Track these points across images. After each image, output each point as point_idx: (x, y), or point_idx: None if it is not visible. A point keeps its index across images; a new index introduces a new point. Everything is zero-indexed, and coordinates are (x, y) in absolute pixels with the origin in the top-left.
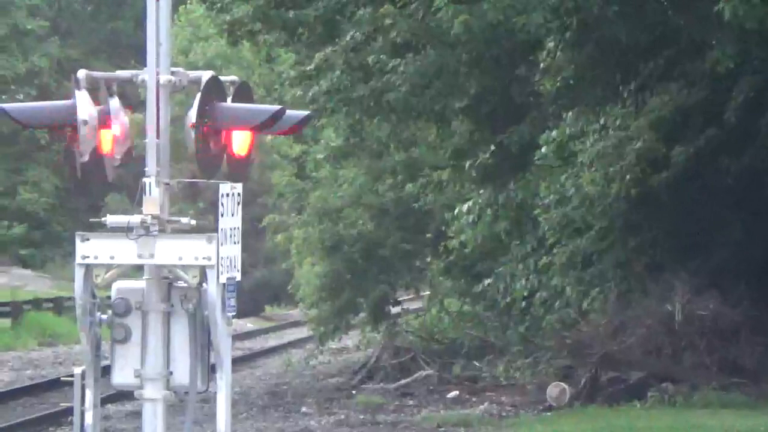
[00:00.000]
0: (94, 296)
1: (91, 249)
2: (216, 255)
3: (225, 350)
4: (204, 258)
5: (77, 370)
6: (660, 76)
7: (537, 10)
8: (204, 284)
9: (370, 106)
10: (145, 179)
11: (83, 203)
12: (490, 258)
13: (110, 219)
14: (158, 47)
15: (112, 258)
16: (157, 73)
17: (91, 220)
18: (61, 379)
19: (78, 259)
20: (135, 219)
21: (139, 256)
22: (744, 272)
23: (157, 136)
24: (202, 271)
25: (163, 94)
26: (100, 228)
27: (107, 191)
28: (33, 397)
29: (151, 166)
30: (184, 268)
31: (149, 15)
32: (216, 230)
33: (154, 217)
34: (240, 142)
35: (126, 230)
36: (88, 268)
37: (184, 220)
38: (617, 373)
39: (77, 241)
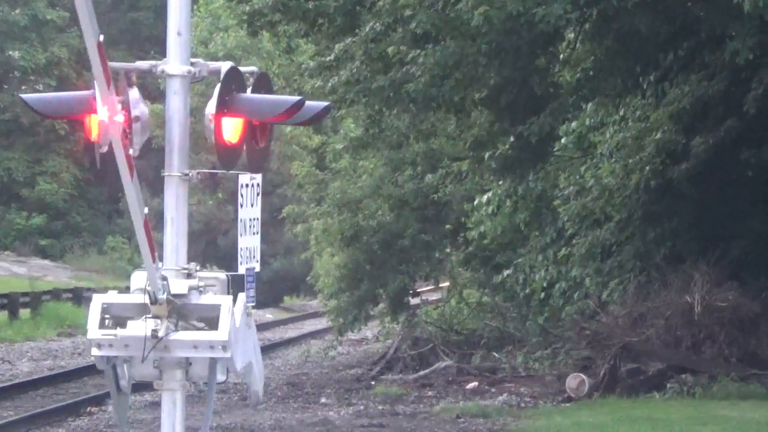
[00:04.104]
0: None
1: (107, 337)
2: (230, 346)
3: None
4: (220, 348)
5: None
6: (680, 67)
7: (557, 1)
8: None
9: (390, 96)
10: (147, 287)
11: (102, 194)
12: (509, 249)
13: (120, 333)
14: (178, 38)
15: (126, 347)
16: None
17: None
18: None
19: (94, 350)
20: (148, 329)
21: (155, 349)
22: (764, 263)
23: (129, 169)
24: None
25: (183, 85)
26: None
27: None
28: (52, 388)
29: (139, 234)
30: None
31: (169, 5)
32: (236, 220)
33: (163, 319)
34: (259, 132)
35: (143, 344)
36: (107, 357)
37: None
38: (636, 365)
39: (90, 333)
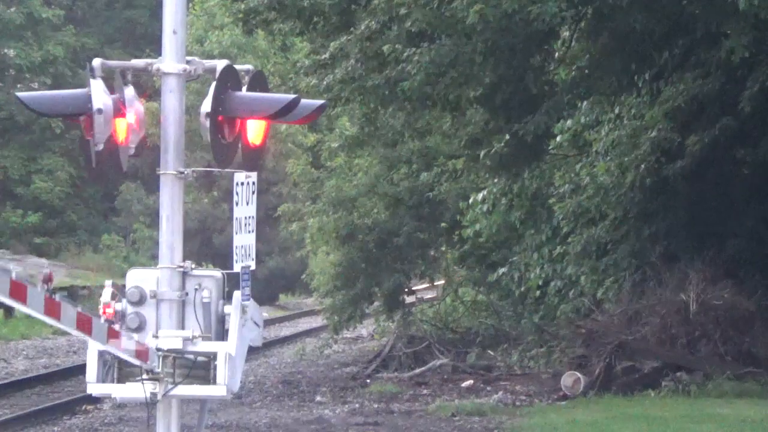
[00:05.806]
0: None
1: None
2: (228, 392)
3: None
4: (219, 395)
5: None
6: (675, 65)
7: None
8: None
9: (385, 95)
10: (144, 367)
11: (98, 192)
12: (504, 247)
13: (119, 395)
14: (173, 36)
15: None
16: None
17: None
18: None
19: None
20: (147, 392)
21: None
22: (759, 262)
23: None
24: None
25: (178, 84)
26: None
27: (122, 180)
28: (47, 386)
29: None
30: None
31: (165, 4)
32: (231, 218)
33: (162, 379)
34: (255, 131)
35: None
36: None
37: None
38: (631, 363)
39: (89, 388)
